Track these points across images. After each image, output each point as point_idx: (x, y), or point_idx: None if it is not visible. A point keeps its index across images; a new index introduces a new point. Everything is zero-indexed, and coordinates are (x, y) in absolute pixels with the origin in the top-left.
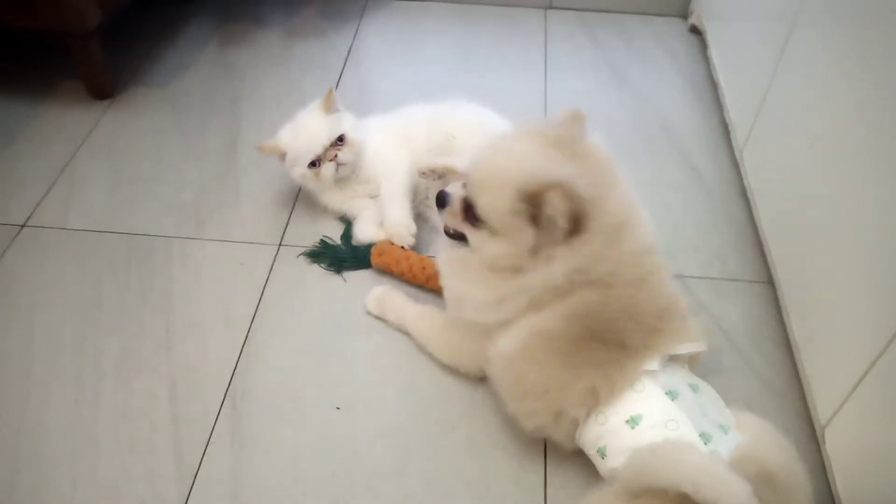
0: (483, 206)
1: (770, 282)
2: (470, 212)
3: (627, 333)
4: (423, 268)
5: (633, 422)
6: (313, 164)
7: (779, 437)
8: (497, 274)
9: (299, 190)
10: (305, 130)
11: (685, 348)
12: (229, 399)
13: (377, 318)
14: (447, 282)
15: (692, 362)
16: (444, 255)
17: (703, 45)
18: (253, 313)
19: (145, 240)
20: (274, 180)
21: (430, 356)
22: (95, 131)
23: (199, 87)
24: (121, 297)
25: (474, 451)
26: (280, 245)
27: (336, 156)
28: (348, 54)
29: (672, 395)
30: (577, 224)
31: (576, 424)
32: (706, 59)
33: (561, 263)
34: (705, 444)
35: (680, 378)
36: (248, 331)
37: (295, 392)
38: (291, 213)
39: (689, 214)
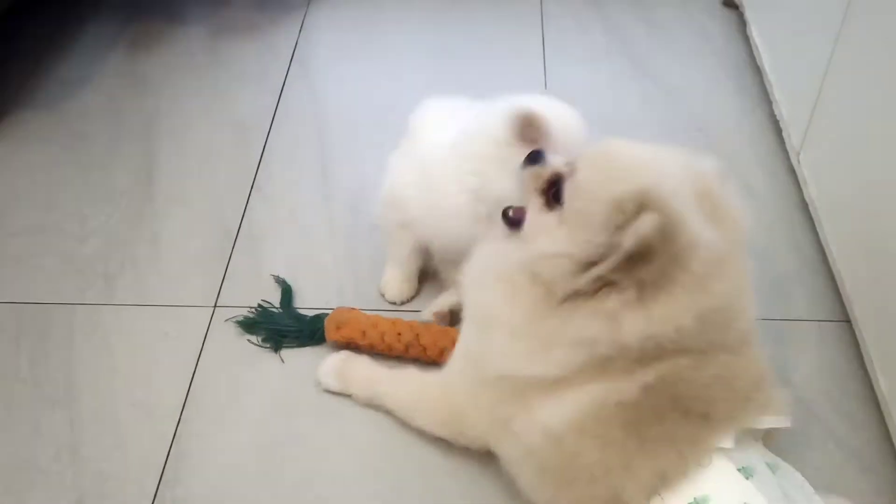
0: (583, 179)
1: (847, 320)
2: (555, 187)
3: (716, 403)
4: (399, 333)
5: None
6: None
7: None
8: (539, 298)
9: (237, 233)
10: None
11: (768, 422)
12: None
13: (338, 394)
14: (473, 294)
15: (768, 439)
16: (478, 260)
17: (742, 22)
18: (183, 399)
19: (38, 310)
20: (204, 221)
21: (420, 431)
22: None
23: (102, 106)
24: (8, 389)
25: None
26: (215, 307)
27: None
28: (293, 55)
29: (747, 472)
30: (646, 257)
31: None
32: (746, 39)
33: (631, 324)
34: None
35: (755, 454)
36: (178, 422)
37: (244, 499)
38: (228, 265)
39: None
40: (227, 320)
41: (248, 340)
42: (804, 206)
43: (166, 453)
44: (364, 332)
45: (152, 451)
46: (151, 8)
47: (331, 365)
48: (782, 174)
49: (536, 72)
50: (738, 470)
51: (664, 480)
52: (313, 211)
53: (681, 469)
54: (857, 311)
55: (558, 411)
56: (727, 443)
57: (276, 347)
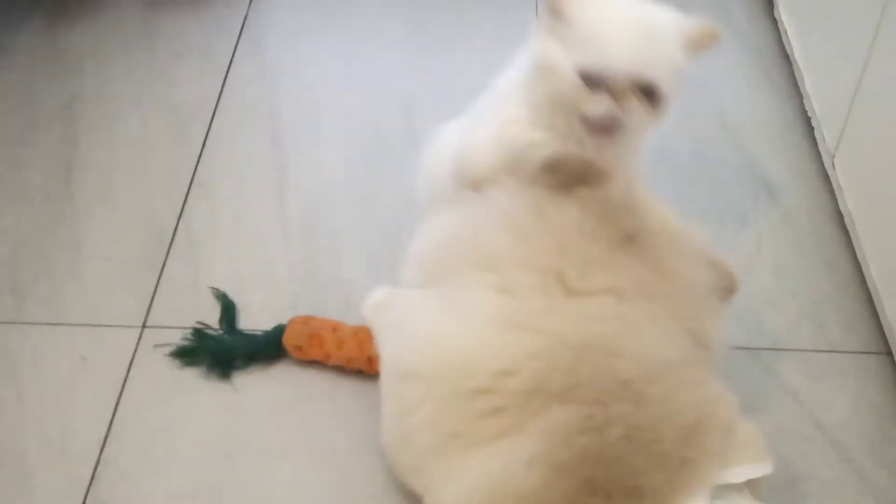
0: None
1: (888, 352)
2: None
3: (641, 474)
4: (360, 343)
5: None
6: None
7: None
8: None
9: (172, 239)
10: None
11: (737, 475)
12: None
13: None
14: None
15: (755, 488)
16: None
17: (769, 2)
18: (104, 436)
19: None
20: (134, 225)
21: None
22: None
23: (14, 86)
24: None
25: None
26: (144, 327)
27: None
28: (242, 28)
29: None
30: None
31: None
32: (774, 22)
33: None
34: None
35: None
36: (97, 463)
37: None
38: (161, 276)
39: (764, 254)
40: (157, 346)
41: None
42: (839, 218)
43: (82, 501)
44: (327, 354)
45: (66, 499)
46: None
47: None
48: (814, 180)
49: None
50: None
51: None
52: (264, 213)
53: None
54: None
55: (465, 491)
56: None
57: (226, 374)
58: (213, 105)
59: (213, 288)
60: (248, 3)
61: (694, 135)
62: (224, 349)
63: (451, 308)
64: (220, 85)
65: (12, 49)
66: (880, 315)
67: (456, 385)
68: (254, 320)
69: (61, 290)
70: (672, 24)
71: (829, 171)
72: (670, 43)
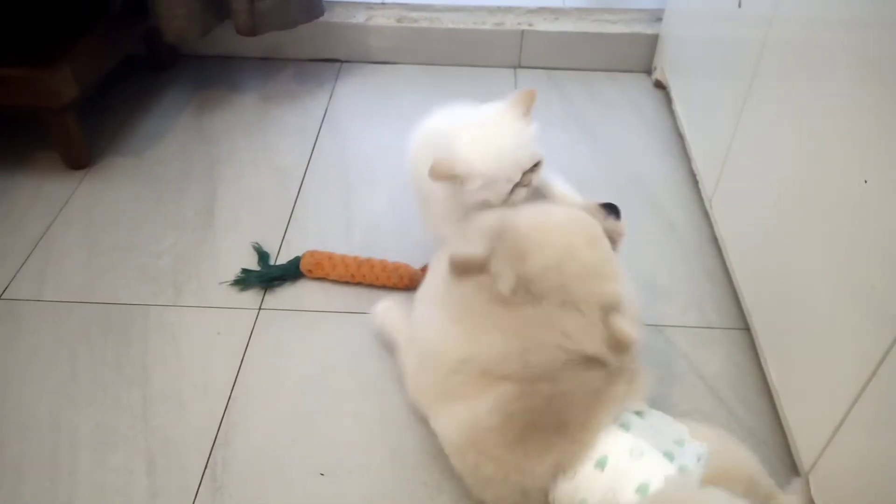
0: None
1: (747, 328)
2: None
3: (562, 414)
4: (358, 265)
5: (601, 464)
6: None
7: (737, 442)
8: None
9: (278, 253)
10: (501, 150)
11: (632, 408)
12: (210, 471)
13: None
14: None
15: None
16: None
17: (668, 100)
18: (233, 381)
19: (121, 309)
20: (252, 245)
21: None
22: (71, 201)
23: (175, 154)
24: (96, 371)
25: None
26: (259, 309)
27: (530, 180)
28: (324, 117)
29: (625, 426)
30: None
31: (545, 494)
32: (672, 113)
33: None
34: (671, 462)
35: (629, 413)
36: (229, 399)
37: (279, 460)
38: None
39: (664, 264)
40: (221, 283)
41: (284, 338)
42: (715, 241)
43: (219, 423)
44: (327, 273)
45: (208, 421)
46: (215, 78)
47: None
48: (698, 216)
49: None
50: (619, 426)
51: (561, 469)
52: (337, 238)
53: (572, 456)
54: (755, 321)
55: (452, 429)
56: (609, 425)
57: (267, 287)
58: (305, 167)
59: (253, 244)
60: (328, 100)
61: (616, 187)
62: (263, 274)
63: (434, 319)
64: (309, 153)
65: (174, 129)
66: (741, 303)
67: (440, 366)
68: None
69: (205, 285)
70: (510, 118)
71: (708, 210)
72: (521, 134)
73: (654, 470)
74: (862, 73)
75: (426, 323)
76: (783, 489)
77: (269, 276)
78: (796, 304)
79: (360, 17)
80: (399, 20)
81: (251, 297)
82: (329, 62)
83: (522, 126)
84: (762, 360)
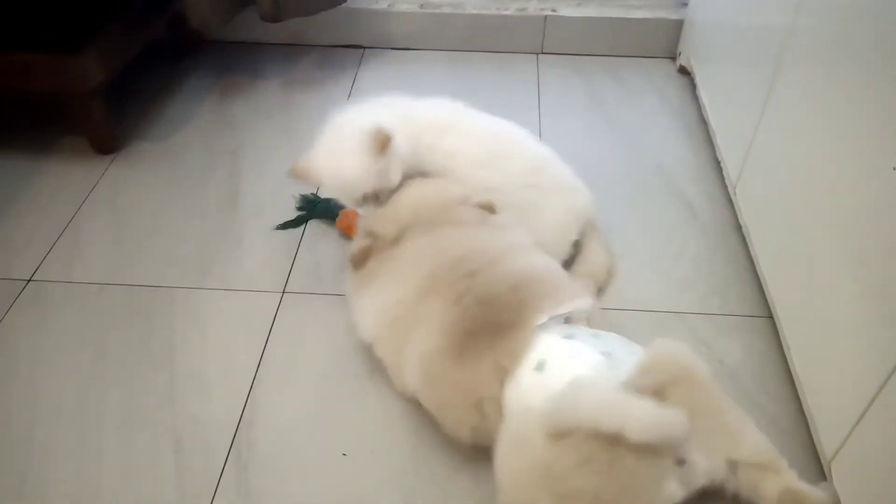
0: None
1: (770, 316)
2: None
3: (493, 315)
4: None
5: (539, 367)
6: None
7: (677, 344)
8: None
9: (302, 236)
10: (342, 175)
11: (564, 308)
12: (234, 450)
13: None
14: None
15: (591, 323)
16: None
17: (693, 86)
18: (257, 363)
19: (148, 291)
20: (275, 229)
21: None
22: (98, 186)
23: (200, 140)
24: (123, 351)
25: (479, 494)
26: (283, 293)
27: (377, 199)
28: (347, 100)
29: (569, 337)
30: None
31: (497, 402)
32: (696, 99)
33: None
34: (609, 360)
35: (578, 329)
36: (253, 381)
37: (301, 440)
38: (294, 260)
39: (687, 252)
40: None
41: (308, 323)
42: (739, 229)
43: (243, 404)
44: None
45: (233, 403)
46: (239, 65)
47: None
48: (722, 203)
49: (533, 122)
50: (563, 338)
51: (502, 370)
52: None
53: (511, 354)
54: (779, 309)
55: (411, 369)
56: (541, 320)
57: (307, 218)
58: None
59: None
60: (350, 86)
61: (639, 176)
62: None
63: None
64: None
65: (197, 115)
66: (765, 291)
67: (383, 322)
68: None
69: (230, 269)
70: (357, 155)
71: (732, 197)
72: (363, 167)
73: (588, 363)
74: (890, 59)
75: (359, 312)
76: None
77: (316, 201)
78: (821, 293)
79: (382, 4)
80: (422, 6)
81: (275, 280)
82: (352, 48)
83: (369, 161)
84: (785, 349)
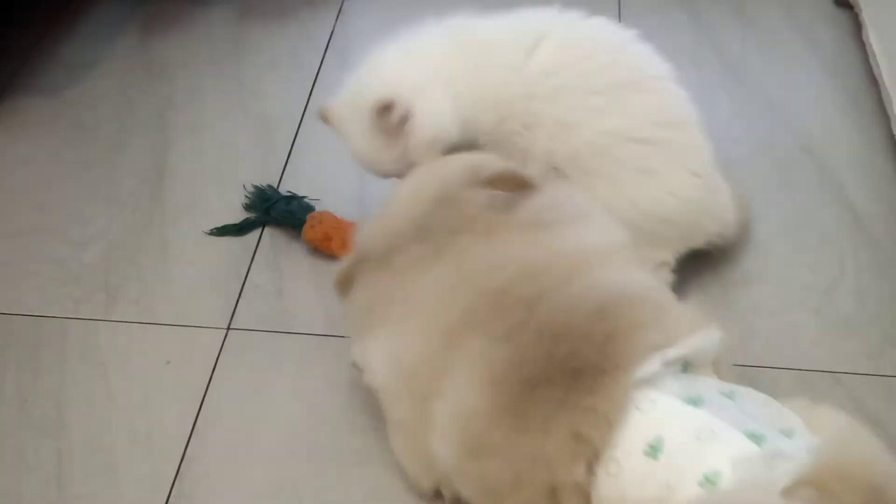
0: None
1: None
2: None
3: (566, 355)
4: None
5: (653, 450)
6: None
7: (867, 434)
8: None
9: (257, 246)
10: (355, 149)
11: (681, 348)
12: None
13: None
14: None
15: (719, 370)
16: None
17: (856, 25)
18: (189, 433)
19: (28, 323)
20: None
21: None
22: None
23: (110, 94)
24: None
25: None
26: (228, 329)
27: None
28: (329, 41)
29: (695, 402)
30: None
31: (583, 492)
32: (861, 45)
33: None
34: (759, 445)
35: (706, 385)
36: (182, 460)
37: None
38: (245, 280)
39: (847, 278)
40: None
41: (262, 371)
42: None
43: (166, 496)
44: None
45: (151, 493)
46: None
47: None
48: None
49: None
50: (686, 402)
51: (587, 442)
52: (344, 213)
53: (598, 422)
54: None
55: (444, 438)
56: (645, 370)
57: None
58: (300, 115)
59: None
60: (335, 17)
61: (776, 157)
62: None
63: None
64: (307, 95)
65: (108, 59)
66: None
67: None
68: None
69: (150, 291)
70: (366, 133)
71: None
72: (369, 148)
73: (731, 454)
74: None
75: (368, 363)
76: None
77: (273, 200)
78: None
79: None
80: None
81: (216, 309)
82: None
83: (379, 143)
84: None
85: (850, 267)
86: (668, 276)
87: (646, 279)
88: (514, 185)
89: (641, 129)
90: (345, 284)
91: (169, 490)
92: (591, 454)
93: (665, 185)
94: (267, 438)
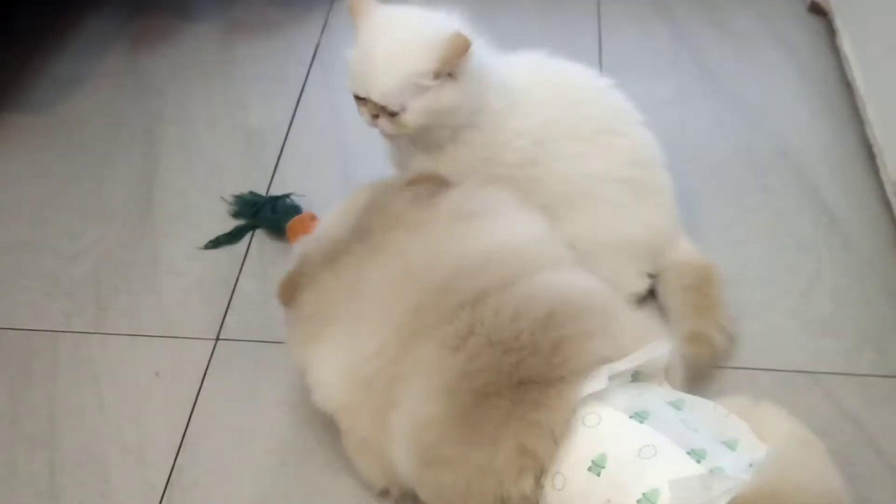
0: None
1: None
2: None
3: (514, 365)
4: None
5: (596, 466)
6: None
7: (805, 448)
8: None
9: (245, 256)
10: (374, 66)
11: (631, 361)
12: None
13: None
14: None
15: (671, 378)
16: None
17: (830, 31)
18: (178, 443)
19: (19, 336)
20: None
21: None
22: None
23: (99, 109)
24: None
25: None
26: (217, 340)
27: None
28: (314, 56)
29: (640, 417)
30: None
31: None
32: (835, 51)
33: None
34: (698, 461)
35: (654, 396)
36: (171, 470)
37: None
38: (234, 291)
39: (823, 280)
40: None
41: (252, 380)
42: None
43: (158, 502)
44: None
45: (142, 503)
46: (157, 1)
47: None
48: (875, 207)
49: None
50: (631, 418)
51: (532, 456)
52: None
53: (542, 435)
54: None
55: (401, 448)
56: (593, 386)
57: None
58: (286, 128)
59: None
60: (320, 32)
61: (754, 161)
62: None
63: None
64: (293, 110)
65: (97, 74)
66: None
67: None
68: None
69: (140, 304)
70: (420, 45)
71: (891, 199)
72: (410, 65)
73: (670, 473)
74: None
75: (317, 369)
76: None
77: (260, 203)
78: None
79: None
80: None
81: (205, 320)
82: None
83: (425, 69)
84: None
85: (827, 269)
86: (646, 282)
87: (594, 284)
88: (432, 183)
89: (620, 169)
90: (289, 291)
91: (160, 499)
92: (538, 468)
93: (638, 215)
94: (256, 447)
